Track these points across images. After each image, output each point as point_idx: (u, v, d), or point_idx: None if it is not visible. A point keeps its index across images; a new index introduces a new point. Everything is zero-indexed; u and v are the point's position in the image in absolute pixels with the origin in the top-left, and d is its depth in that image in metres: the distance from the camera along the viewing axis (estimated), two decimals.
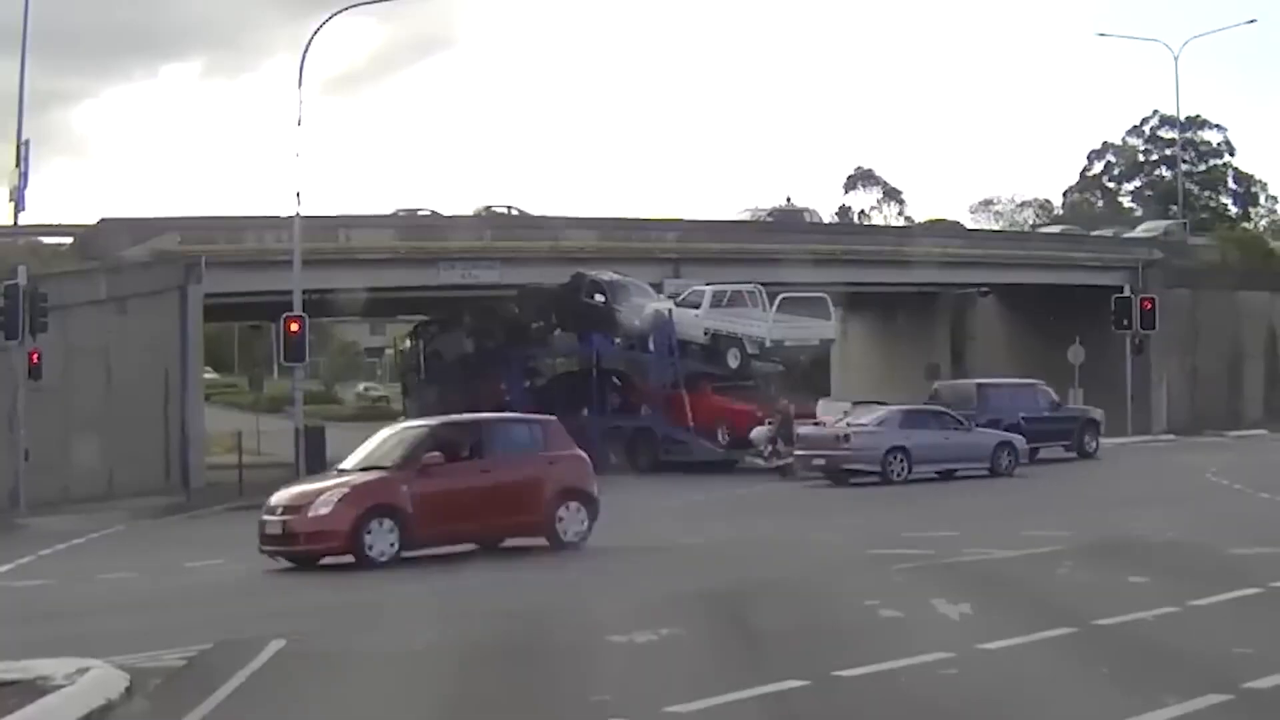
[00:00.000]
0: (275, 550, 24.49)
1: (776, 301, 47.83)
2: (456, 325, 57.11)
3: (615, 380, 51.84)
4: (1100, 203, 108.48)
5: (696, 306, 48.54)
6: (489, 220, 58.71)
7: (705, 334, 48.26)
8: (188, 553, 28.83)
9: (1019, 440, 41.62)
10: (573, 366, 53.88)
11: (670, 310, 48.56)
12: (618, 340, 50.35)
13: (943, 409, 43.45)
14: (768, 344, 47.51)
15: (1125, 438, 57.70)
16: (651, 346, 48.99)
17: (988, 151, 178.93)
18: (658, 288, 52.50)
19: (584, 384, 51.85)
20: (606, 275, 51.55)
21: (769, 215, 70.74)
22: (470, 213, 65.11)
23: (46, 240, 47.35)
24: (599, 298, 50.01)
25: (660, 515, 32.12)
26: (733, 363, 48.02)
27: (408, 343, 65.98)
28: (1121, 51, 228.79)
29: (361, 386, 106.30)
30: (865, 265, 59.67)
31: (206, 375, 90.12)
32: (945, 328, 73.36)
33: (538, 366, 55.19)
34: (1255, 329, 68.73)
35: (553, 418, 28.78)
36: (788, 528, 28.92)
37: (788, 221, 70.49)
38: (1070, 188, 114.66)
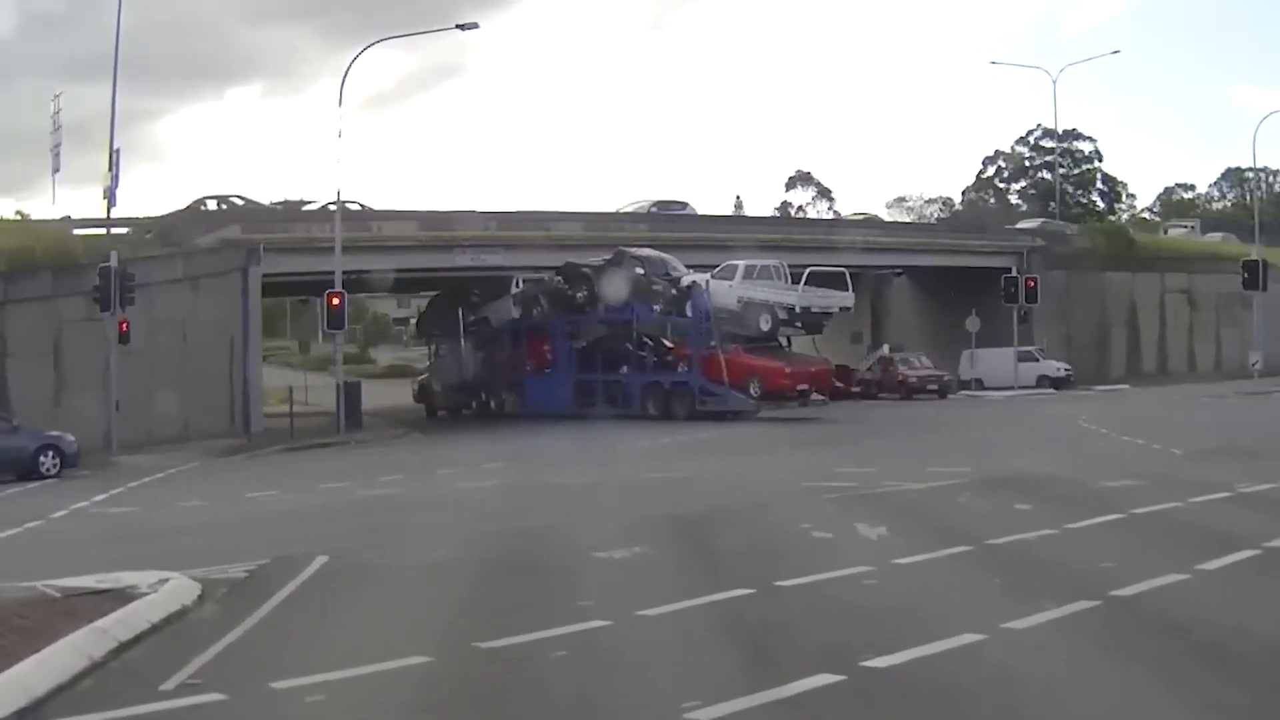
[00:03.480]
0: None
1: (805, 274, 46.50)
2: (504, 293, 54.75)
3: (651, 342, 50.05)
4: (992, 200, 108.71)
5: (730, 279, 47.06)
6: (494, 215, 58.33)
7: (738, 302, 46.60)
8: (248, 485, 28.84)
9: None
10: (613, 331, 51.33)
11: (707, 281, 47.09)
12: (656, 307, 48.52)
13: None
14: (797, 310, 46.17)
15: (1011, 391, 57.88)
16: (689, 312, 47.25)
17: (902, 156, 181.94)
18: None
19: (623, 346, 50.31)
20: (645, 251, 50.39)
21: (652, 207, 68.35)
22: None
23: (131, 230, 47.15)
24: (638, 271, 48.67)
25: (635, 455, 32.11)
26: (764, 326, 46.46)
27: (439, 308, 62.56)
28: (1011, 76, 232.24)
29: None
30: (801, 251, 59.27)
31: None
32: (866, 302, 73.39)
33: (579, 331, 52.77)
34: (1118, 303, 69.10)
35: None
36: (738, 465, 28.82)
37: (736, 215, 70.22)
38: (968, 187, 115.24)
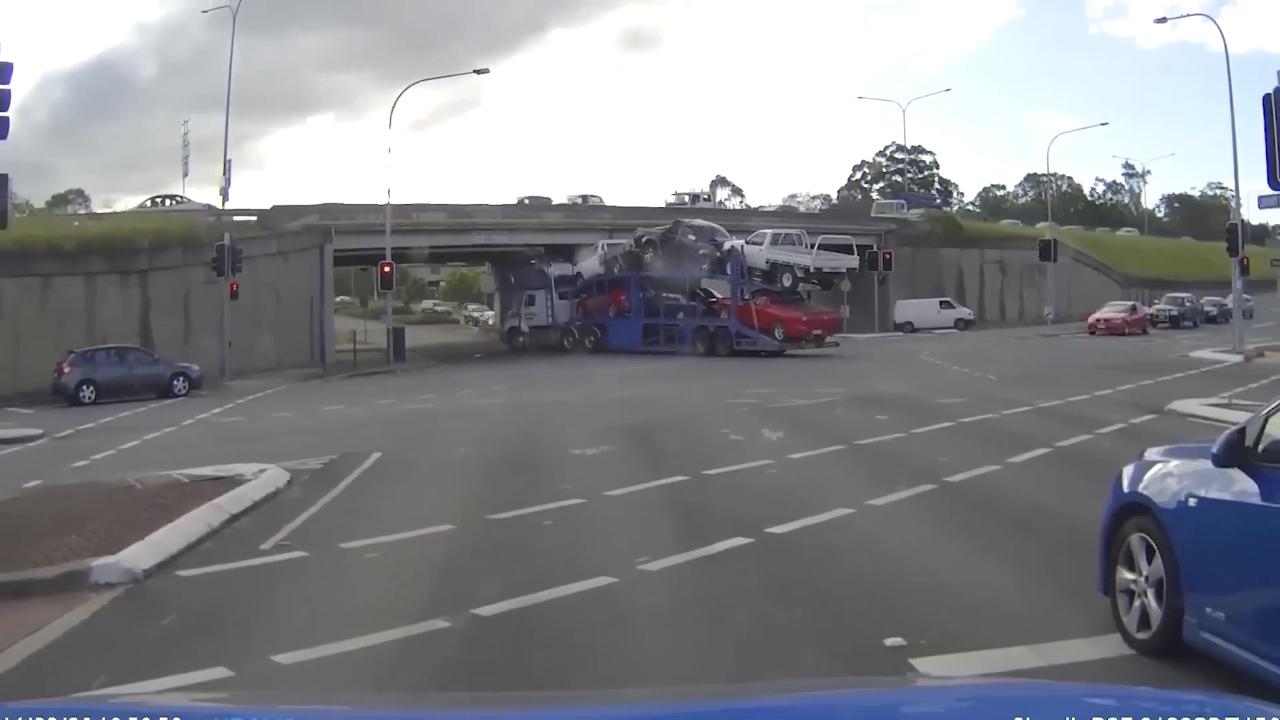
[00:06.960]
0: None
1: (817, 242, 44.12)
2: (592, 255, 50.18)
3: (700, 294, 46.69)
4: (859, 196, 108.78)
5: (759, 244, 44.15)
6: (501, 207, 57.88)
7: (766, 263, 43.65)
8: (322, 401, 28.67)
9: None
10: (671, 284, 46.84)
11: (742, 246, 44.00)
12: (704, 266, 44.89)
13: None
14: (812, 270, 43.63)
15: (874, 334, 58.07)
16: (729, 271, 43.90)
17: (794, 163, 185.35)
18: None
19: (678, 297, 46.90)
20: (697, 221, 47.51)
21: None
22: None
23: (241, 218, 46.83)
24: (691, 238, 45.45)
25: (605, 380, 32.01)
26: (786, 283, 43.45)
27: (532, 263, 54.25)
28: (872, 106, 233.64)
29: (429, 303, 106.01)
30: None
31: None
32: None
33: (646, 284, 47.83)
34: (950, 271, 69.06)
35: None
36: (677, 387, 28.74)
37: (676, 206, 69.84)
38: (841, 187, 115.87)
